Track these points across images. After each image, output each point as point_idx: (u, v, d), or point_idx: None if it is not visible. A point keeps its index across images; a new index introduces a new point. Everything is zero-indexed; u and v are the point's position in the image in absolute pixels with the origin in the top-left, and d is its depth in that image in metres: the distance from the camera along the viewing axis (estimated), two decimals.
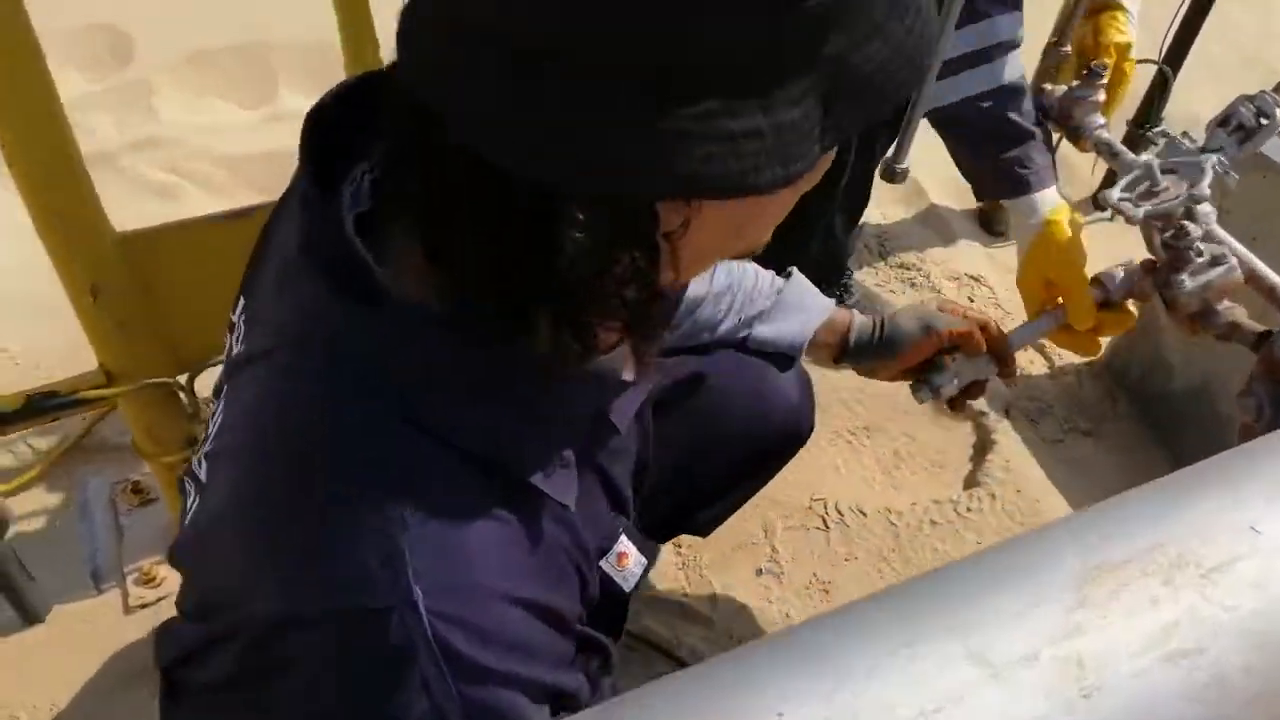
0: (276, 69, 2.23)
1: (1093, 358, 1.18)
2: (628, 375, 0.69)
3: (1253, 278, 0.99)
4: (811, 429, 1.14)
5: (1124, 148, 1.11)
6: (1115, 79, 1.50)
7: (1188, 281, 0.98)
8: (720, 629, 1.34)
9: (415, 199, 0.54)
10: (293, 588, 0.54)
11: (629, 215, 0.50)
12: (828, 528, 1.47)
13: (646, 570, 0.76)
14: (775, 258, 1.76)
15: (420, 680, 0.52)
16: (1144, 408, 1.80)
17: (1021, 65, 1.11)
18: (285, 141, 1.94)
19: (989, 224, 2.16)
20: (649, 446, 0.86)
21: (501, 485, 0.57)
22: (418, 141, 0.51)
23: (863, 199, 1.70)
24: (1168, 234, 0.98)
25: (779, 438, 1.11)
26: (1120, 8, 1.51)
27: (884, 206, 2.13)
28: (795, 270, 1.08)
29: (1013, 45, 1.09)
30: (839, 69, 0.48)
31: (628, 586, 0.74)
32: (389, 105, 0.54)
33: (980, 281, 1.99)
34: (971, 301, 1.95)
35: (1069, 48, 1.51)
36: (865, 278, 1.97)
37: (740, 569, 1.41)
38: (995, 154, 1.14)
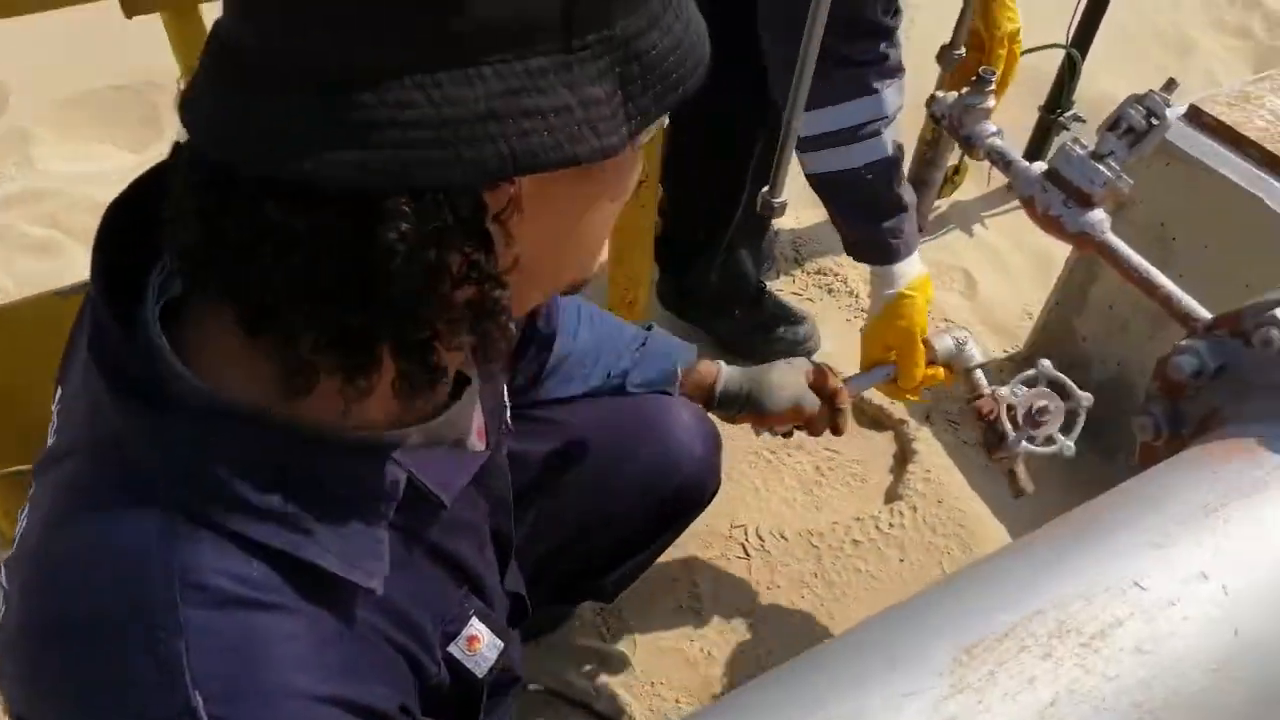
0: (161, 109, 2.12)
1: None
2: (474, 444, 0.68)
3: (1148, 286, 0.95)
4: (718, 484, 1.11)
5: (1016, 155, 1.08)
6: (1007, 64, 1.49)
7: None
8: (641, 676, 1.28)
9: (219, 265, 0.50)
10: (69, 716, 0.51)
11: (453, 208, 0.48)
12: (749, 555, 1.42)
13: (503, 654, 0.72)
14: (674, 290, 1.73)
15: None
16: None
17: (901, 132, 1.14)
18: None
19: None
20: (508, 518, 0.81)
21: (297, 576, 0.53)
22: (212, 202, 0.49)
23: (759, 230, 1.73)
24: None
25: (684, 496, 1.07)
26: None
27: (798, 210, 2.10)
28: (654, 325, 1.09)
29: (895, 115, 1.12)
30: (629, 53, 0.50)
31: (479, 672, 0.70)
32: (179, 180, 0.52)
33: None
34: None
35: (963, 50, 1.48)
36: (783, 285, 1.93)
37: (660, 608, 1.36)
38: (871, 222, 1.17)
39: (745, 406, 1.09)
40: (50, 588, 0.53)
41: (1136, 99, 1.00)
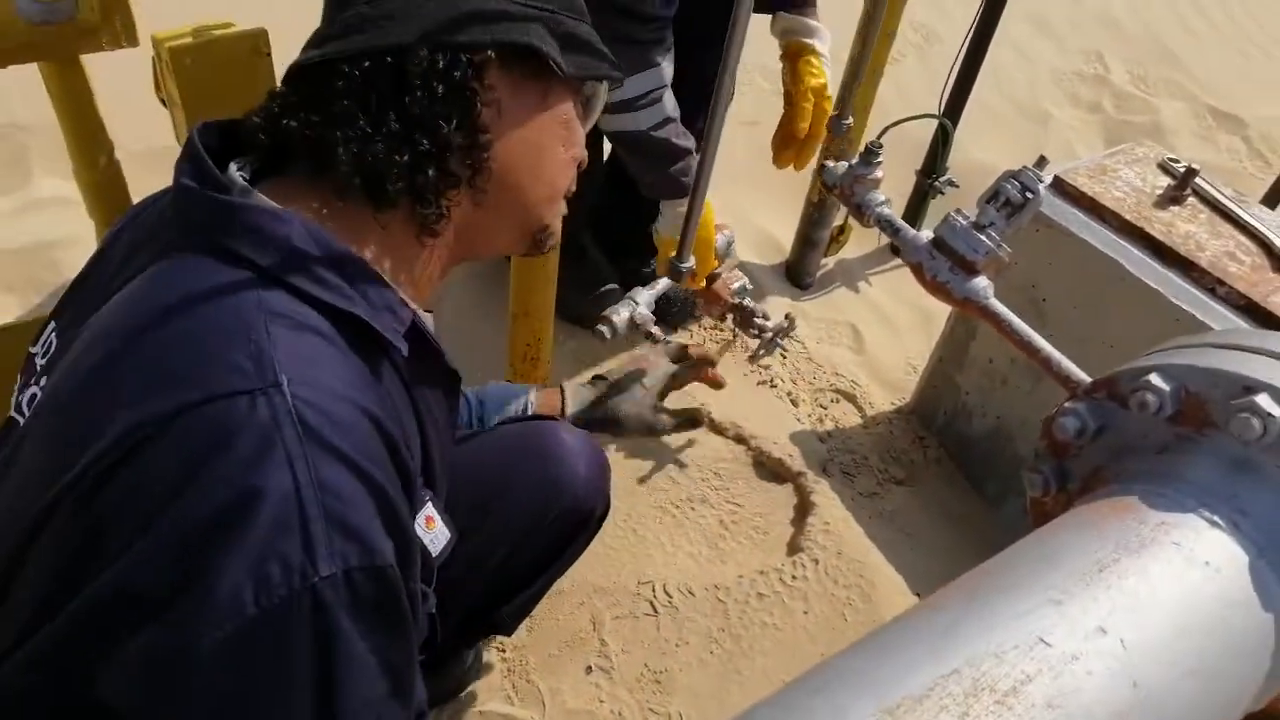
0: (30, 152, 2.02)
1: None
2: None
3: (1030, 349, 1.02)
4: (607, 506, 1.12)
5: (905, 224, 1.14)
6: (816, 116, 1.57)
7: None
8: None
9: (299, 128, 0.72)
10: (170, 383, 0.61)
11: (451, 65, 0.71)
12: (656, 613, 1.43)
13: (450, 543, 0.81)
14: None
15: (284, 455, 0.59)
16: (952, 451, 1.87)
17: (673, 97, 1.44)
18: (44, 233, 1.76)
19: (796, 277, 2.22)
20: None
21: (347, 328, 0.68)
22: (306, 78, 0.73)
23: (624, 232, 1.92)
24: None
25: (572, 517, 1.09)
26: (814, 52, 1.60)
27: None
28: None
29: (669, 82, 1.42)
30: (562, 28, 0.76)
31: (434, 550, 0.79)
32: (271, 94, 0.76)
33: (791, 337, 2.03)
34: (784, 358, 1.97)
35: (850, 119, 1.56)
36: (679, 338, 1.96)
37: (569, 667, 1.34)
38: (663, 169, 1.47)
39: (602, 426, 1.19)
40: (157, 312, 0.65)
41: (1012, 174, 1.08)
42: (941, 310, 1.95)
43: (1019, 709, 0.59)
